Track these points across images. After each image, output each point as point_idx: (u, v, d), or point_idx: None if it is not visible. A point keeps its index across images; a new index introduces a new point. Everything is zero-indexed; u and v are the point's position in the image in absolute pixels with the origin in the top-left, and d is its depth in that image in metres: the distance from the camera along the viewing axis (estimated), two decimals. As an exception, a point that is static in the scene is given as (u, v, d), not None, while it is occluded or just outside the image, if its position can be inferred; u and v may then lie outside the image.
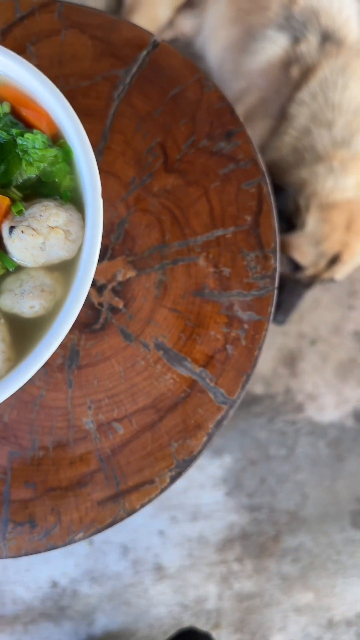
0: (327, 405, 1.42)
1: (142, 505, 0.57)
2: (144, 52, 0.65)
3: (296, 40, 1.33)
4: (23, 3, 0.67)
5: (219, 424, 0.58)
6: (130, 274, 0.61)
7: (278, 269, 0.61)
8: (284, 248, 1.33)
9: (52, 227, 0.44)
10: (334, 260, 1.31)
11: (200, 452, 0.58)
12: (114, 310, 0.60)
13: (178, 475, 0.57)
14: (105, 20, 0.66)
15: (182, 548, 1.37)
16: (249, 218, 0.61)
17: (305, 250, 1.29)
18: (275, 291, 0.60)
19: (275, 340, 1.45)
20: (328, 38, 1.32)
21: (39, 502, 0.58)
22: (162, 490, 0.57)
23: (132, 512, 0.57)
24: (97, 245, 0.43)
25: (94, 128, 0.63)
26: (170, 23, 1.55)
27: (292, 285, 1.36)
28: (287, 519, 1.38)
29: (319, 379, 1.43)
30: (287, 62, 1.34)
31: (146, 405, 0.59)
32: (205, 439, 0.58)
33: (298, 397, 1.42)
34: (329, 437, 1.41)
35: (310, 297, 1.46)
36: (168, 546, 1.38)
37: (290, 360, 1.44)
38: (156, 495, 0.57)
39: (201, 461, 1.41)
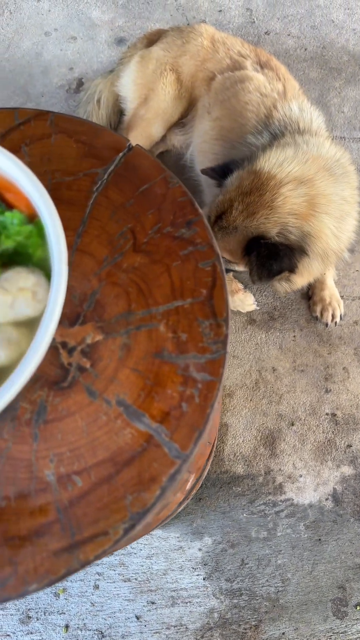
0: (307, 487, 1.42)
1: (96, 557, 0.60)
2: (121, 154, 0.77)
3: (274, 137, 1.46)
4: (21, 113, 0.80)
5: (172, 477, 0.62)
6: (98, 337, 0.68)
7: (229, 336, 0.68)
8: None
9: (22, 289, 0.51)
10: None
11: (153, 505, 0.61)
12: (81, 369, 0.66)
13: (131, 527, 0.60)
14: (89, 128, 0.79)
15: (160, 636, 1.32)
16: (204, 291, 0.69)
17: None
18: (226, 355, 0.66)
19: (255, 420, 1.48)
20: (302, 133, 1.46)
21: (-2, 552, 0.60)
22: (115, 542, 0.60)
23: (85, 563, 0.59)
24: (59, 304, 0.51)
25: (74, 215, 0.74)
26: (163, 138, 1.76)
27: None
28: (268, 606, 1.33)
29: (298, 459, 1.45)
30: None
31: (105, 459, 0.63)
32: (158, 492, 0.62)
33: (278, 478, 1.43)
34: (309, 519, 1.40)
35: (289, 380, 1.51)
36: (146, 634, 1.32)
37: (271, 441, 1.46)
38: (110, 547, 0.60)
39: (182, 543, 1.39)
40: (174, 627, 1.33)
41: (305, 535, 1.39)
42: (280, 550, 1.38)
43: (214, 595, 1.35)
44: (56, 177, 0.75)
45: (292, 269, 1.24)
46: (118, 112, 1.78)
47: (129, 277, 0.70)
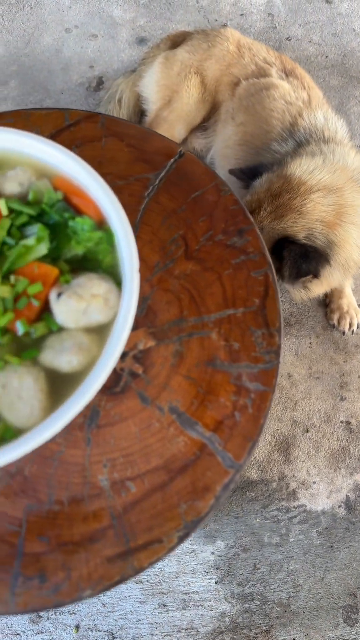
0: (320, 494, 1.43)
1: (150, 564, 0.60)
2: (172, 160, 0.77)
3: (299, 145, 1.47)
4: (72, 114, 0.79)
5: (226, 487, 0.62)
6: (151, 343, 0.68)
7: (282, 346, 0.68)
8: None
9: (94, 295, 0.51)
10: None
11: (207, 513, 0.61)
12: (133, 375, 0.66)
13: (186, 535, 0.61)
14: (140, 131, 0.78)
15: (171, 639, 1.32)
16: (257, 300, 0.69)
17: None
18: (279, 365, 0.67)
19: (270, 426, 1.49)
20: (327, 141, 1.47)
21: (51, 557, 0.60)
22: (170, 550, 0.60)
23: (140, 570, 0.59)
24: (132, 312, 0.51)
25: (125, 218, 0.73)
26: (184, 141, 1.75)
27: None
28: (279, 612, 1.34)
29: (312, 466, 1.45)
30: None
31: (158, 466, 0.63)
32: (212, 501, 0.62)
33: (292, 484, 1.44)
34: (322, 526, 1.41)
35: (304, 386, 1.52)
36: (157, 636, 1.32)
37: (285, 447, 1.47)
38: (164, 554, 0.60)
39: (194, 546, 1.40)
40: (185, 630, 1.33)
41: (318, 542, 1.40)
42: (293, 556, 1.39)
43: (225, 599, 1.36)
44: (107, 181, 0.74)
45: (317, 274, 1.25)
46: (139, 113, 1.77)
47: (180, 284, 0.70)
